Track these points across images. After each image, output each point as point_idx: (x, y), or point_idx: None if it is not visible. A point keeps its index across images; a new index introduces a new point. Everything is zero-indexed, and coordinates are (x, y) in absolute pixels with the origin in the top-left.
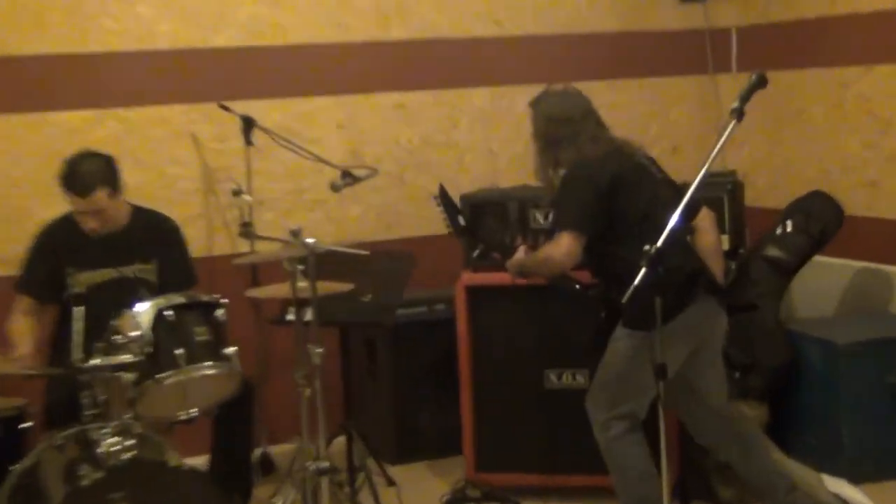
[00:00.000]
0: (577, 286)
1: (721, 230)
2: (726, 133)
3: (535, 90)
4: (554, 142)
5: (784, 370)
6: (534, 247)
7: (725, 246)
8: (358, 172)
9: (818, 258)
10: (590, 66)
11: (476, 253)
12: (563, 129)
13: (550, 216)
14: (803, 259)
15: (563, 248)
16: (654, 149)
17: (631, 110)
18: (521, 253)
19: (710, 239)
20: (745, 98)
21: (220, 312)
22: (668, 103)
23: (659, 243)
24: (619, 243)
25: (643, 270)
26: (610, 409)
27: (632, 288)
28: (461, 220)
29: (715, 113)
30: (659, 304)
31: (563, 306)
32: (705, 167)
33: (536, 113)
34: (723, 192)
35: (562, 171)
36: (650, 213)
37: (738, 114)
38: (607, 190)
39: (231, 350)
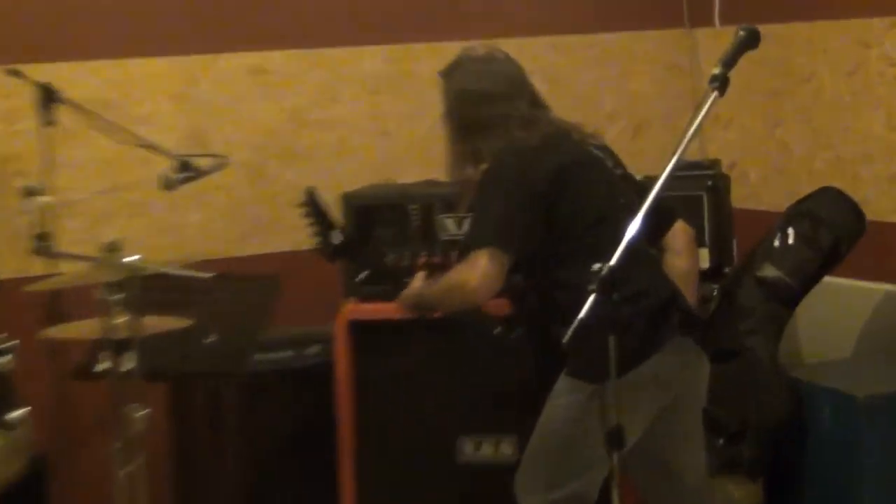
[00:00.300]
0: (499, 324)
1: (699, 242)
2: (705, 109)
3: (446, 52)
4: (473, 126)
5: (785, 433)
6: (442, 267)
7: (705, 263)
8: (200, 163)
9: (830, 279)
10: (520, 17)
11: (361, 277)
12: (485, 108)
13: (467, 225)
14: (810, 281)
15: (480, 271)
16: (609, 131)
17: (578, 79)
18: (417, 280)
19: (683, 265)
20: (731, 62)
21: (2, 360)
22: (627, 69)
23: (613, 261)
24: (561, 263)
25: (592, 299)
26: (548, 490)
27: (575, 323)
28: (336, 236)
29: (690, 82)
30: (614, 346)
31: (483, 350)
32: (676, 155)
33: (449, 86)
34: (701, 189)
35: (483, 166)
36: (604, 221)
37: (721, 83)
38: (544, 191)
39: (17, 413)
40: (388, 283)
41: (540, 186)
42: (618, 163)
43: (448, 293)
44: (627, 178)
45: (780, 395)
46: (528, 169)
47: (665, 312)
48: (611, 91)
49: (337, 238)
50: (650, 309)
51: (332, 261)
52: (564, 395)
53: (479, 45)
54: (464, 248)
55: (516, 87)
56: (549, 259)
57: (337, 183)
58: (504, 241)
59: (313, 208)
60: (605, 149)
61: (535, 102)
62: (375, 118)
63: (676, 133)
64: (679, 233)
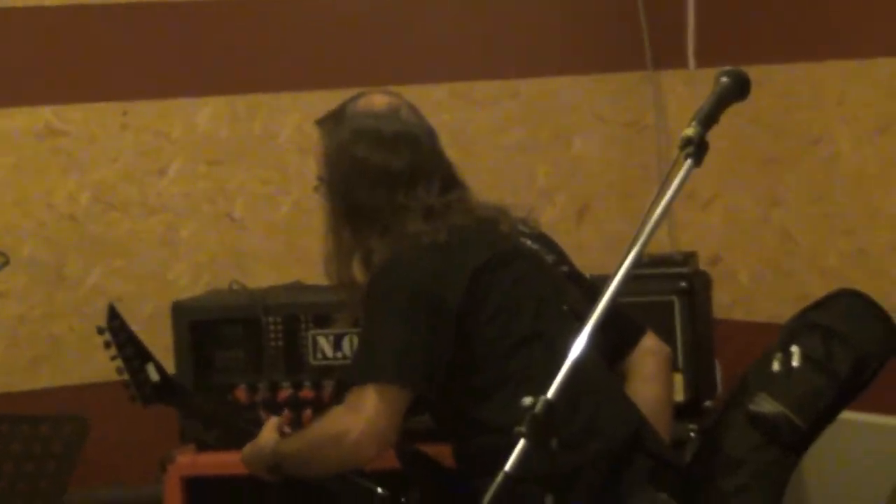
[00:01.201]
0: (380, 493)
1: (672, 365)
2: (676, 183)
3: (313, 105)
4: (363, 213)
5: None
6: (309, 408)
7: (678, 395)
8: None
9: (849, 415)
10: (416, 59)
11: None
12: (381, 192)
13: (353, 345)
14: (823, 417)
15: (366, 416)
16: (543, 214)
17: (497, 142)
18: (270, 430)
19: (653, 395)
20: (710, 118)
21: None
22: (568, 126)
23: (551, 391)
24: (480, 399)
25: (520, 445)
26: None
27: (499, 479)
28: (153, 371)
29: (655, 145)
30: None
31: None
32: (637, 247)
33: (332, 145)
34: (672, 292)
35: (374, 270)
36: (539, 338)
37: (697, 147)
38: (456, 304)
39: None
40: (239, 430)
41: (450, 298)
42: (562, 257)
43: (318, 449)
44: (575, 277)
45: None
46: (435, 275)
47: (627, 458)
48: (545, 158)
49: (155, 374)
50: (604, 454)
51: (148, 404)
52: None
53: (373, 93)
54: (343, 384)
55: (426, 159)
56: (463, 394)
57: (164, 287)
58: (400, 374)
59: (119, 334)
60: (543, 238)
61: (448, 180)
62: (217, 196)
63: (637, 216)
64: (647, 353)
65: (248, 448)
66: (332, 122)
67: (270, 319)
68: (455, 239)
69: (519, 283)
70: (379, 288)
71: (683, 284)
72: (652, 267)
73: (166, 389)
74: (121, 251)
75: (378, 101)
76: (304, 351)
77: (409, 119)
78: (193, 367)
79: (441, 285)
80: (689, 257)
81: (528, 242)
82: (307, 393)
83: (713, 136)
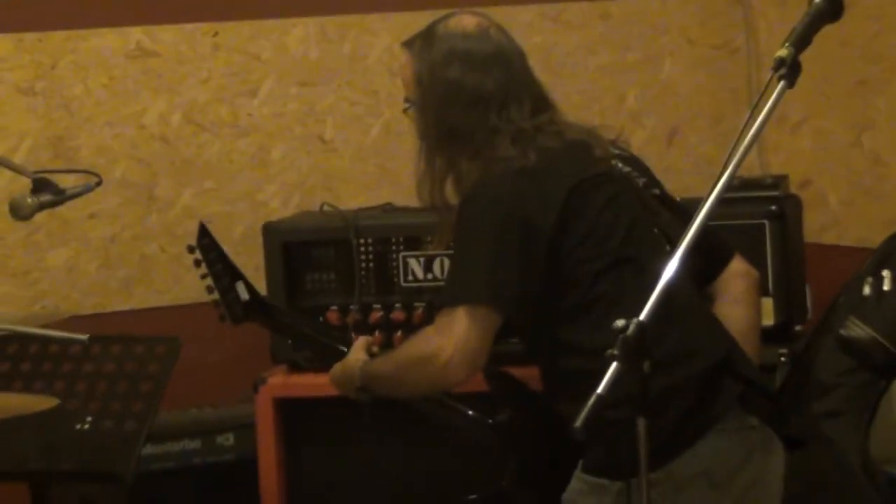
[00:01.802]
0: (471, 414)
1: (762, 290)
2: (768, 106)
3: (404, 26)
4: (455, 134)
5: None
6: (401, 329)
7: (768, 319)
8: (64, 183)
9: None
10: None
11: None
12: (475, 113)
13: (444, 267)
14: None
15: (458, 338)
16: (636, 136)
17: (585, 63)
18: (359, 350)
19: (741, 317)
20: (803, 40)
21: None
22: (656, 49)
23: (644, 314)
24: (570, 321)
25: (613, 367)
26: None
27: (592, 401)
28: (243, 290)
29: (745, 67)
30: (644, 432)
31: (459, 446)
32: (729, 171)
33: (423, 67)
34: (762, 215)
35: (465, 192)
36: (630, 262)
37: (790, 69)
38: (546, 226)
39: None
40: (328, 349)
41: (540, 221)
42: (651, 179)
43: (407, 370)
44: (665, 199)
45: (869, 496)
46: (525, 198)
47: (718, 381)
48: (634, 80)
49: (245, 292)
50: (696, 377)
51: (238, 323)
52: (581, 500)
53: (463, 13)
54: (434, 305)
55: (517, 81)
56: (553, 316)
57: (255, 209)
58: (492, 295)
59: (209, 252)
60: (634, 160)
61: (539, 101)
62: (307, 118)
63: (727, 139)
64: (736, 275)
65: (338, 367)
66: (421, 43)
67: (361, 241)
68: (545, 162)
69: (610, 205)
70: (470, 212)
71: (774, 208)
72: (742, 190)
73: (257, 308)
74: (211, 172)
75: (468, 21)
76: (395, 273)
77: (500, 40)
78: (285, 289)
79: (532, 209)
80: (780, 181)
81: (619, 165)
82: (398, 315)
83: (805, 58)
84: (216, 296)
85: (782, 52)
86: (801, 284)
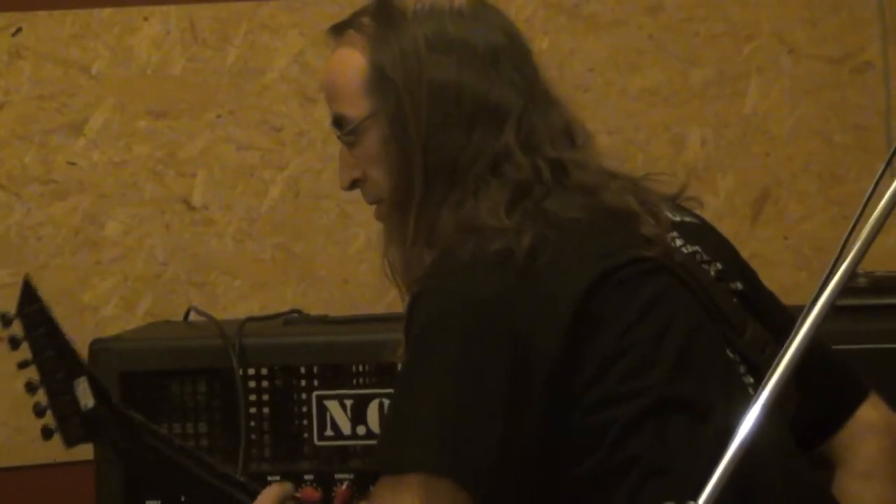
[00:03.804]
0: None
1: None
2: None
3: (317, 11)
4: (449, 166)
5: None
6: None
7: None
8: None
9: None
10: None
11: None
12: (476, 130)
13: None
14: None
15: None
16: (707, 196)
17: (630, 84)
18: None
19: (878, 495)
20: None
21: None
22: (743, 62)
23: (705, 495)
24: (587, 498)
25: None
26: None
27: None
28: (84, 393)
29: (881, 92)
30: None
31: None
32: (850, 257)
33: (395, 59)
34: None
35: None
36: (682, 402)
37: None
38: (555, 349)
39: None
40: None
41: (538, 338)
42: (731, 265)
43: None
44: (752, 299)
45: None
46: (517, 301)
47: None
48: (700, 112)
49: (89, 396)
50: None
51: (73, 445)
52: None
53: None
54: (370, 470)
55: (534, 92)
56: (559, 491)
57: (76, 316)
58: (456, 462)
59: (36, 328)
60: (703, 231)
61: (561, 127)
62: (164, 169)
63: (849, 210)
64: (868, 429)
65: None
66: (380, 21)
67: (251, 371)
68: (556, 241)
69: (653, 311)
70: (426, 320)
71: None
72: (877, 295)
73: (108, 420)
74: (9, 256)
75: None
76: (306, 425)
77: (505, 26)
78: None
79: (526, 320)
80: None
81: (678, 241)
82: (309, 494)
83: None
84: (41, 399)
85: None
86: None
